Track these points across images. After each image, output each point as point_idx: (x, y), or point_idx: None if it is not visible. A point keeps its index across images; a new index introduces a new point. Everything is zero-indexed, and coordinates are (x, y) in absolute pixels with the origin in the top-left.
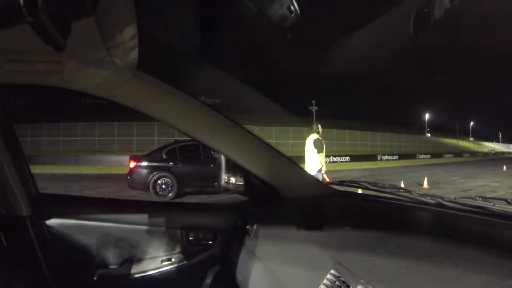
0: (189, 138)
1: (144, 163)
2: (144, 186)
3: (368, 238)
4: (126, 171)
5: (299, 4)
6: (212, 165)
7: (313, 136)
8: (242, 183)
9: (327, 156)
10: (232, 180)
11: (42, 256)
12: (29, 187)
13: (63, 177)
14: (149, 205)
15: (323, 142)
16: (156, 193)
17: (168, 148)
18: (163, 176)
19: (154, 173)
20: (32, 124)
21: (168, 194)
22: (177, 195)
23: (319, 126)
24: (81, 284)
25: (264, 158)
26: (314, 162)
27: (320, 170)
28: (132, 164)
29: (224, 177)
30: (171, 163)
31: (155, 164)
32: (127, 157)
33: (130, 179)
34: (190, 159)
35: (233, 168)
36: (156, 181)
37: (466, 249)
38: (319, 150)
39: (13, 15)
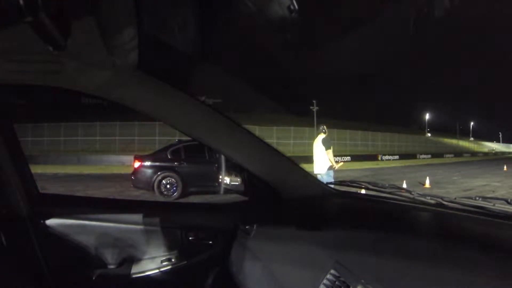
0: None
1: (149, 163)
2: (149, 186)
3: (368, 238)
4: (127, 171)
5: (299, 4)
6: (217, 165)
7: (321, 136)
8: (242, 183)
9: None
10: (232, 180)
11: (42, 256)
12: (29, 187)
13: (66, 177)
14: (149, 205)
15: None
16: (161, 193)
17: (172, 148)
18: (168, 176)
19: (159, 173)
20: (32, 124)
21: (173, 194)
22: (181, 195)
23: (325, 127)
24: (81, 284)
25: (264, 158)
26: (324, 161)
27: (331, 168)
28: (137, 164)
29: (224, 177)
30: (176, 163)
31: (160, 164)
32: (128, 157)
33: (135, 179)
34: (195, 159)
35: (233, 168)
36: (160, 181)
37: (466, 249)
38: (328, 147)
39: (13, 15)
